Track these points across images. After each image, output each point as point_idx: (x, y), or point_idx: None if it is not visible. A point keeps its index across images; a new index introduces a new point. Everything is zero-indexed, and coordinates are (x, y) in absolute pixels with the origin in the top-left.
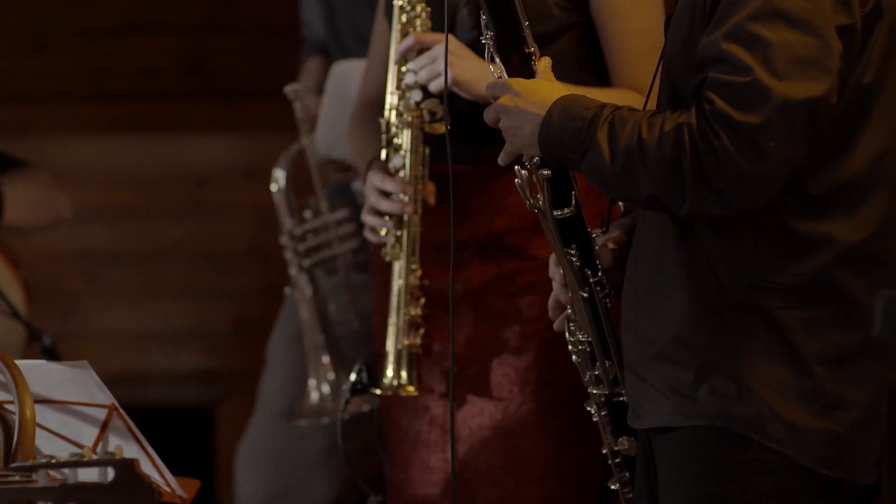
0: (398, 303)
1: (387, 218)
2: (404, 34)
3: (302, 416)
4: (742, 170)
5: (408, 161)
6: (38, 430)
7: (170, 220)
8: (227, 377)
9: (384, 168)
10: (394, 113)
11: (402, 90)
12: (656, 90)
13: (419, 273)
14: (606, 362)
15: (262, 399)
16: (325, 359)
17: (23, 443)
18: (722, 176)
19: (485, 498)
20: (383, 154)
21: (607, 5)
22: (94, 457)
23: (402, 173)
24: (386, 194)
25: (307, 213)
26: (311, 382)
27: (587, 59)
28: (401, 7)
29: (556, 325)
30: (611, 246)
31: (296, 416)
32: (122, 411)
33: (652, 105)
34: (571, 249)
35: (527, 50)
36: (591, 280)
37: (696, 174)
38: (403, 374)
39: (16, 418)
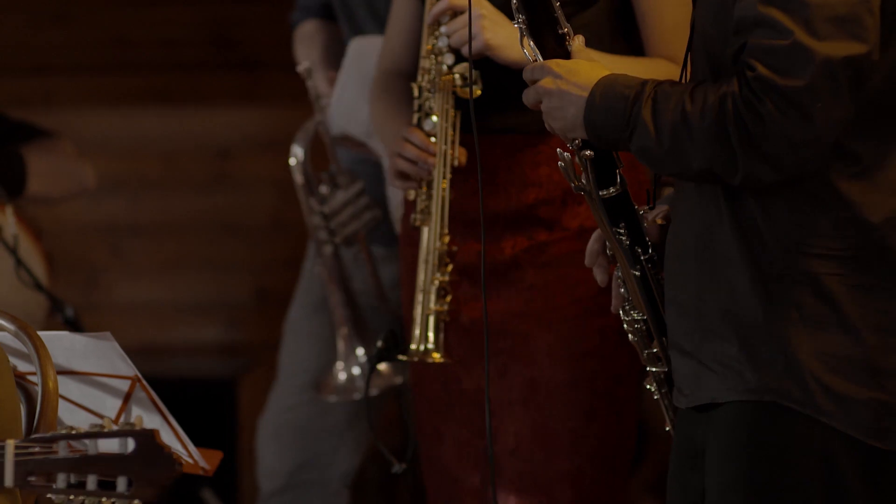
0: (426, 268)
1: (416, 183)
2: None
3: (331, 392)
4: (791, 134)
5: (438, 124)
6: (60, 401)
7: (192, 192)
8: (249, 349)
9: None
10: (426, 77)
11: (435, 54)
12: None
13: (447, 239)
14: (663, 339)
15: (283, 371)
16: (352, 335)
17: (45, 414)
18: (771, 142)
19: (513, 471)
20: (414, 119)
21: None
22: (115, 427)
23: (432, 138)
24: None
25: (323, 188)
26: (339, 360)
27: (620, 28)
28: None
29: (613, 307)
30: (659, 221)
31: (325, 391)
32: (144, 383)
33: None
34: (620, 228)
35: (560, 31)
36: (642, 258)
37: (744, 142)
38: (430, 339)
39: (38, 389)
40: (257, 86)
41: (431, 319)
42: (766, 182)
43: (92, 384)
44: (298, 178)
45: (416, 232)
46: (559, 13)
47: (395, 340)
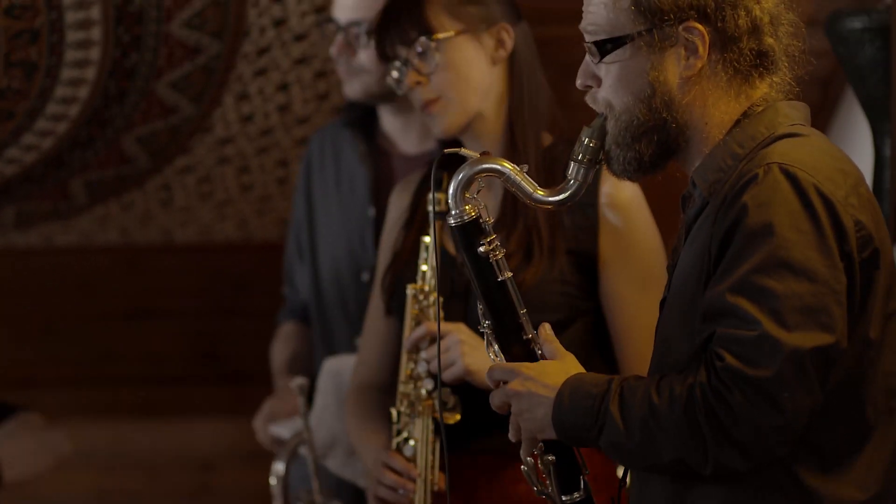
0: None
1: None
2: (417, 323)
3: None
4: (760, 423)
5: (419, 451)
6: None
7: None
8: None
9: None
10: (405, 402)
11: (414, 379)
12: None
13: None
14: None
15: None
16: None
17: None
18: (741, 430)
19: None
20: (394, 444)
21: (614, 296)
22: None
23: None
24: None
25: None
26: None
27: (596, 344)
28: (413, 296)
29: None
30: None
31: None
32: None
33: None
34: None
35: (525, 336)
36: None
37: (716, 431)
38: None
39: None
40: (241, 399)
41: None
42: (736, 470)
43: None
44: (278, 497)
45: None
46: (524, 319)
47: None
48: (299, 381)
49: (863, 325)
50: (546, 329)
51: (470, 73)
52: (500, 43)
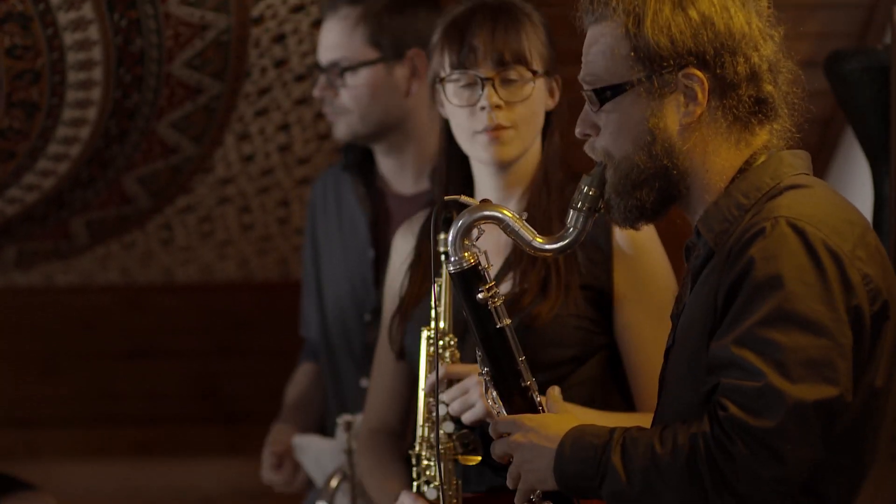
0: None
1: None
2: (433, 365)
3: None
4: (761, 474)
5: (441, 494)
6: None
7: None
8: None
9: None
10: (424, 445)
11: (434, 422)
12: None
13: None
14: None
15: None
16: None
17: None
18: (742, 481)
19: None
20: (414, 487)
21: (629, 330)
22: None
23: None
24: None
25: None
26: None
27: (613, 379)
28: (428, 338)
29: None
30: None
31: None
32: None
33: None
34: None
35: (523, 384)
36: None
37: (716, 481)
38: None
39: None
40: (241, 438)
41: None
42: None
43: None
44: None
45: None
46: (522, 366)
47: None
48: (346, 417)
49: (869, 375)
50: (555, 392)
51: (540, 112)
52: (551, 93)
